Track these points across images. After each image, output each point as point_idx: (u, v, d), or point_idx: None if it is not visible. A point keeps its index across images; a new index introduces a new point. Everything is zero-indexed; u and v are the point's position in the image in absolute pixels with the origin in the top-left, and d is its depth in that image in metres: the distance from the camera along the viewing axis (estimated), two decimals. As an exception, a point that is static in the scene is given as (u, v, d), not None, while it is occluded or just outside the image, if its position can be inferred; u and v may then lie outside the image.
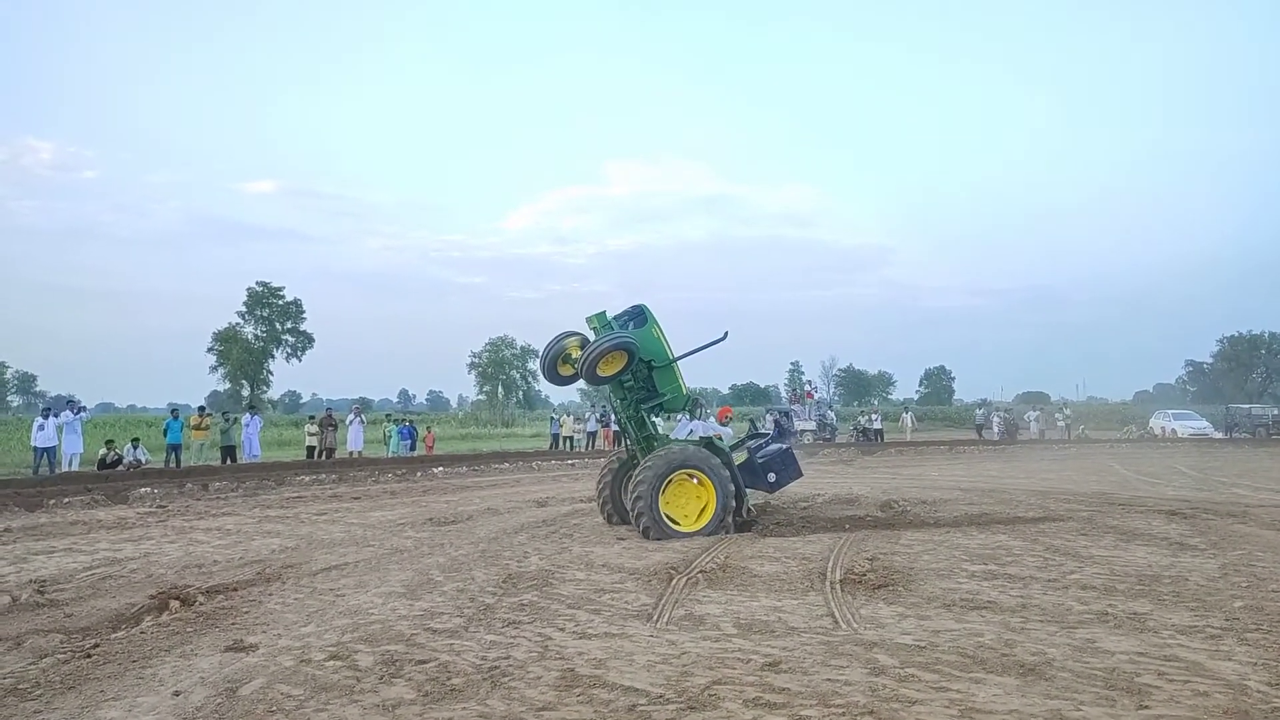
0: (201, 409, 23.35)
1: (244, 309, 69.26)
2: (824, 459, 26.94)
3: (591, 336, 11.04)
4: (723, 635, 5.94)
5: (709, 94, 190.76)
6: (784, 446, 12.17)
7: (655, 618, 6.50)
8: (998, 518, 12.10)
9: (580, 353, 10.71)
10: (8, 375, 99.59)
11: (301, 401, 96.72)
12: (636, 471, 10.52)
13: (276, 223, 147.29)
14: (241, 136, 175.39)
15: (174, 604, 6.88)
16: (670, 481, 10.40)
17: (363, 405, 31.60)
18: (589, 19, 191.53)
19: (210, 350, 69.44)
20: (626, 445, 12.06)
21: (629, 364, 10.70)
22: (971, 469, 22.69)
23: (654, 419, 11.69)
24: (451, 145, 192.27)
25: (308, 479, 18.11)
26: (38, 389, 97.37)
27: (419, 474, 20.51)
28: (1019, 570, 8.14)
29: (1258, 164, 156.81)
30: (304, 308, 70.44)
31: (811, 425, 36.50)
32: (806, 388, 44.35)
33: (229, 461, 21.71)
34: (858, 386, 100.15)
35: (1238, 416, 41.64)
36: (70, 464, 19.69)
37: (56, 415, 19.89)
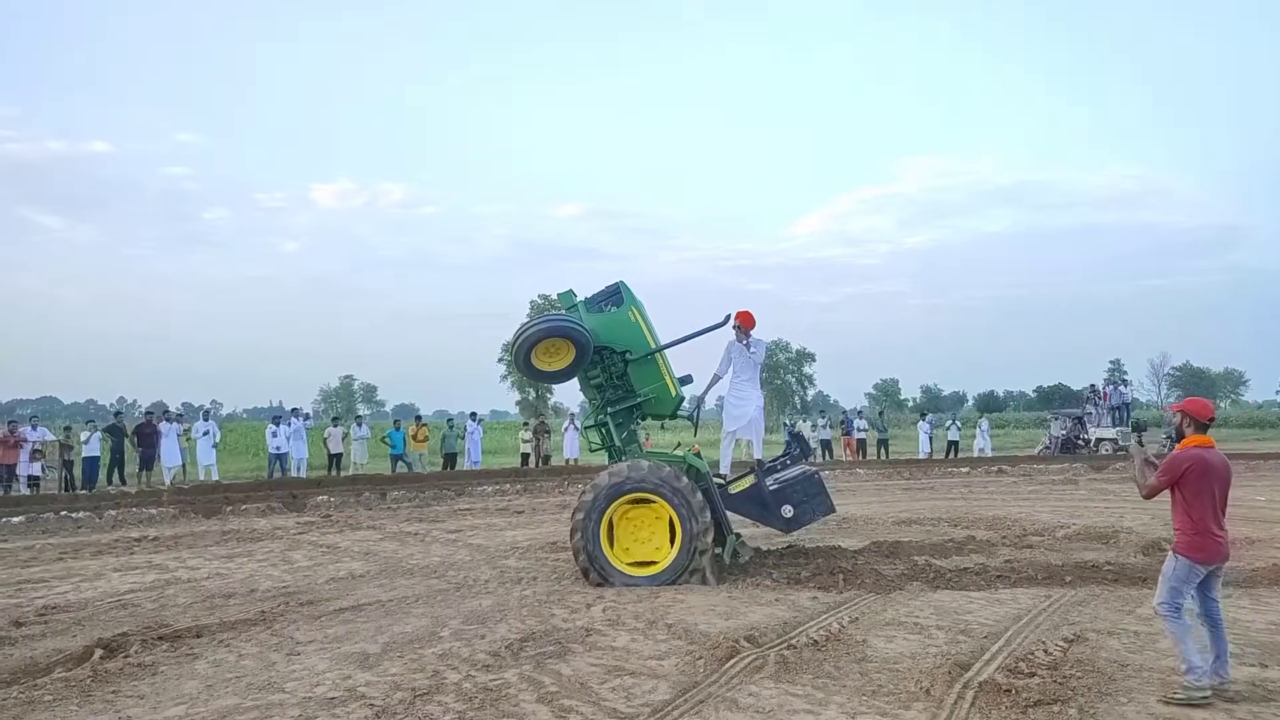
0: (418, 418, 23.89)
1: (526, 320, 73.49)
2: (1113, 476, 21.37)
3: None
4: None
5: (1006, 78, 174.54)
6: (808, 471, 8.96)
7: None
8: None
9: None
10: (355, 387, 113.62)
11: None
12: (578, 496, 8.16)
13: (581, 242, 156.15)
14: (555, 165, 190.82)
15: (97, 655, 5.74)
16: (622, 509, 7.98)
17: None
18: (870, 14, 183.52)
19: (500, 360, 74.48)
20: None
21: (580, 357, 8.33)
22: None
23: (633, 426, 9.16)
24: (745, 157, 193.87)
25: (490, 489, 17.37)
26: (378, 398, 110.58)
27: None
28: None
29: None
30: (582, 317, 73.15)
31: (1111, 434, 29.14)
32: (1106, 387, 35.51)
33: (450, 468, 21.87)
34: (1198, 387, 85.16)
35: None
36: (298, 469, 20.77)
37: (289, 425, 21.12)
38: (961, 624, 6.36)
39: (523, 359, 8.35)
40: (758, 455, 9.06)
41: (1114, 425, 29.65)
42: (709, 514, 7.95)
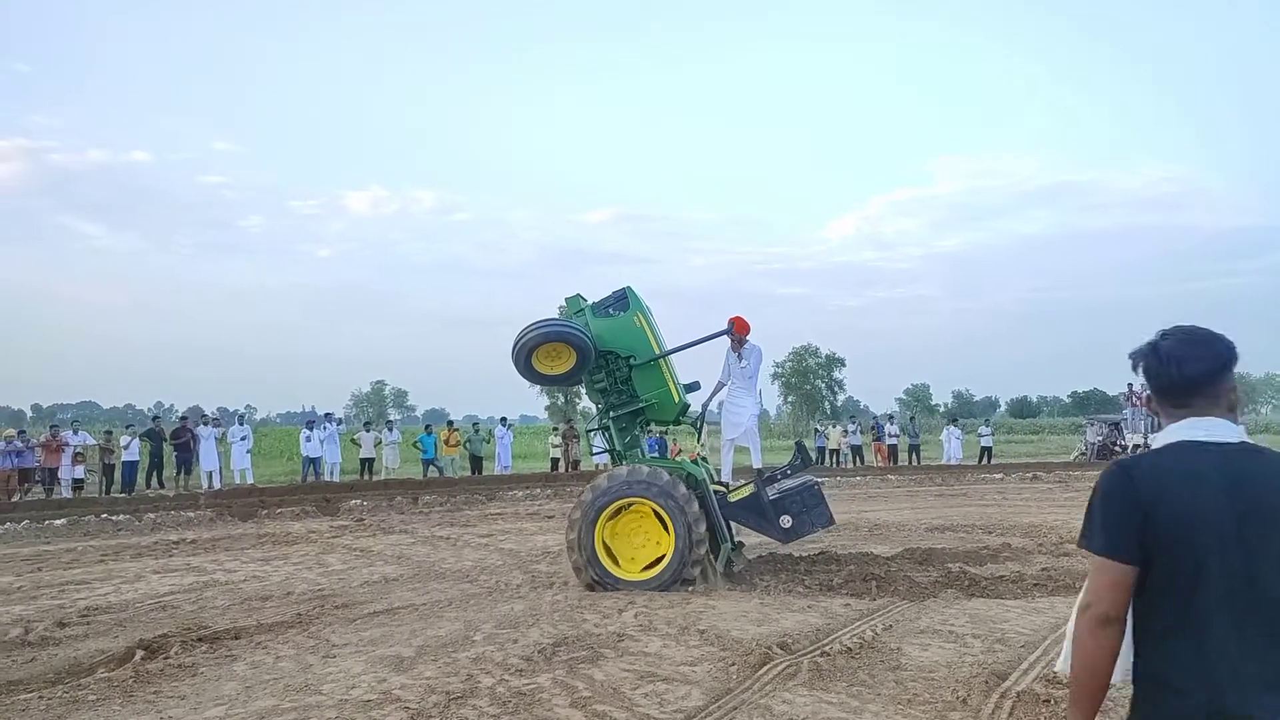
0: (449, 423, 24.08)
1: (551, 327, 73.54)
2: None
3: None
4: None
5: (1045, 78, 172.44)
6: (809, 481, 8.67)
7: (660, 744, 4.23)
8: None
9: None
10: (386, 392, 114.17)
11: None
12: (569, 516, 8.18)
13: (611, 247, 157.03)
14: (585, 170, 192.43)
15: (138, 655, 5.84)
16: (621, 512, 7.96)
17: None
18: (904, 16, 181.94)
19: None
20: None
21: (582, 362, 8.34)
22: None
23: (637, 431, 9.10)
24: (776, 160, 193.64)
25: (520, 494, 17.46)
26: (410, 403, 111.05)
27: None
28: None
29: None
30: (609, 324, 73.11)
31: (1141, 439, 28.70)
32: (1144, 392, 35.15)
33: (476, 473, 21.98)
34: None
35: None
36: (331, 473, 20.99)
37: (322, 429, 21.34)
38: (998, 633, 6.28)
39: (523, 363, 8.43)
40: (756, 464, 9.04)
41: (1153, 431, 29.26)
42: (702, 519, 7.92)
